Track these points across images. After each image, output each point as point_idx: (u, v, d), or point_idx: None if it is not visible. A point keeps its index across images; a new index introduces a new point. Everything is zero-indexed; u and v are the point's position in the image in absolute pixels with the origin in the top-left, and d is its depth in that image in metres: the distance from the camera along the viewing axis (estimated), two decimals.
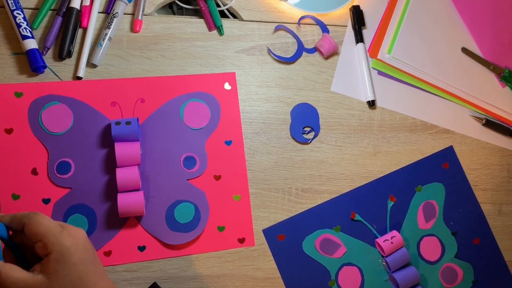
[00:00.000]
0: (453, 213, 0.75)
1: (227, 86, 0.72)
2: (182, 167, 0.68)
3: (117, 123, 0.65)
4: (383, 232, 0.72)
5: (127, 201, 0.64)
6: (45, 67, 0.67)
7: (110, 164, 0.67)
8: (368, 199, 0.73)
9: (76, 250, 0.49)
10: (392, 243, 0.69)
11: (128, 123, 0.65)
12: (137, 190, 0.65)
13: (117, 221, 0.66)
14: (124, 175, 0.64)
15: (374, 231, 0.72)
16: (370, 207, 0.73)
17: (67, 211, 0.65)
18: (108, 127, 0.67)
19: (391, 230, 0.72)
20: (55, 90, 0.67)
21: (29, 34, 0.66)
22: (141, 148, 0.67)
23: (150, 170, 0.68)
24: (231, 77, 0.72)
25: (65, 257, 0.48)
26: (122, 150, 0.64)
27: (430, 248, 0.73)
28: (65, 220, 0.65)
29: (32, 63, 0.66)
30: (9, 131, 0.65)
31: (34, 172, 0.65)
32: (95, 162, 0.67)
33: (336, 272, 0.70)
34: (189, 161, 0.69)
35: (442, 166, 0.76)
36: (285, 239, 0.69)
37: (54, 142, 0.66)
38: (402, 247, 0.70)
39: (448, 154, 0.77)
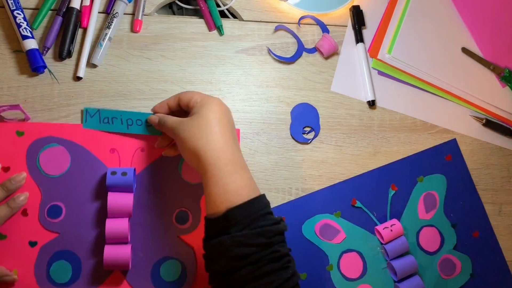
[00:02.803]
0: (453, 205, 0.75)
1: None
2: (174, 223, 0.67)
3: (113, 173, 0.63)
4: (383, 220, 0.72)
5: (113, 254, 0.62)
6: (45, 67, 0.67)
7: (102, 213, 0.65)
8: (369, 187, 0.73)
9: (218, 105, 0.61)
10: (391, 231, 0.70)
11: (124, 173, 0.64)
12: (126, 243, 0.64)
13: (102, 272, 0.64)
14: (113, 227, 0.62)
15: (374, 219, 0.72)
16: (371, 195, 0.73)
17: (52, 256, 0.64)
18: (104, 174, 0.66)
19: (391, 218, 0.72)
20: (56, 132, 0.66)
21: (29, 34, 0.66)
22: (134, 199, 0.66)
23: (141, 222, 0.66)
24: None
25: (208, 103, 0.60)
26: (114, 200, 0.63)
27: (429, 239, 0.73)
28: (49, 266, 0.63)
29: (32, 63, 0.66)
30: (6, 169, 0.64)
31: (24, 213, 0.64)
32: (86, 209, 0.65)
33: (336, 259, 0.70)
34: (182, 217, 0.67)
35: (445, 158, 0.76)
36: (285, 221, 0.69)
37: (49, 184, 0.65)
38: (402, 235, 0.71)
39: (451, 147, 0.77)
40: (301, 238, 0.70)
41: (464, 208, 0.75)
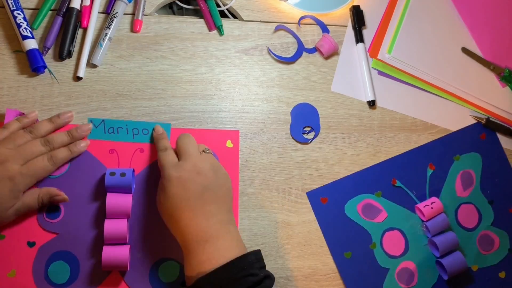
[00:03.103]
0: (489, 182, 0.77)
1: (229, 144, 0.70)
2: None
3: (112, 174, 0.63)
4: (422, 198, 0.74)
5: (111, 255, 0.62)
6: (45, 67, 0.67)
7: (100, 214, 0.65)
8: (408, 167, 0.75)
9: (175, 184, 0.59)
10: (432, 208, 0.71)
11: (122, 174, 0.63)
12: (124, 243, 0.64)
13: (100, 273, 0.64)
14: (112, 227, 0.62)
15: (414, 197, 0.74)
16: (410, 174, 0.75)
17: (50, 257, 0.63)
18: (103, 175, 0.65)
19: (430, 197, 0.74)
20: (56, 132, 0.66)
21: (29, 34, 0.66)
22: (133, 199, 0.66)
23: (140, 223, 0.66)
24: (234, 135, 0.71)
25: (163, 188, 0.60)
26: (113, 201, 0.63)
27: (468, 216, 0.75)
28: (47, 267, 0.63)
29: (32, 63, 0.66)
30: None
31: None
32: (85, 209, 0.65)
33: (379, 237, 0.72)
34: None
35: (480, 137, 0.78)
36: (328, 202, 0.71)
37: (48, 185, 0.64)
38: (442, 212, 0.72)
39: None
40: (344, 218, 0.72)
41: (500, 185, 0.77)
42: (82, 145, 0.65)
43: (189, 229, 0.58)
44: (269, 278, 0.56)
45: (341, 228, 0.71)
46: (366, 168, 0.74)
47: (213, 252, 0.56)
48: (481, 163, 0.77)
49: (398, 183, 0.74)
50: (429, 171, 0.75)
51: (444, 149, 0.76)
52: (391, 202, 0.73)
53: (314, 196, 0.71)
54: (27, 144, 0.61)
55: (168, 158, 0.63)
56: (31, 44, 0.66)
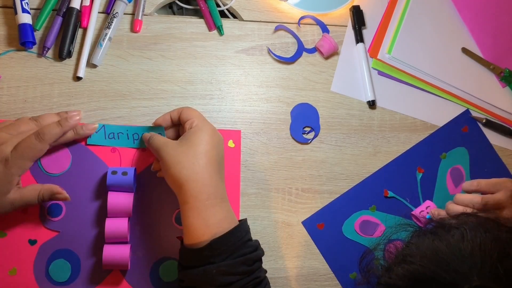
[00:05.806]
0: (479, 174, 0.76)
1: (231, 144, 0.70)
2: (174, 223, 0.67)
3: (114, 172, 0.63)
4: (416, 204, 0.74)
5: (112, 254, 0.62)
6: (34, 43, 0.67)
7: (102, 212, 0.65)
8: (397, 175, 0.74)
9: (210, 136, 0.61)
10: (428, 213, 0.71)
11: (124, 173, 0.63)
12: (125, 242, 0.64)
13: (101, 272, 0.64)
14: (113, 226, 0.63)
15: (408, 205, 0.74)
16: (400, 182, 0.74)
17: (52, 255, 0.64)
18: (105, 174, 0.65)
19: (424, 200, 0.74)
20: None
21: (27, 9, 0.67)
22: (134, 199, 0.66)
23: (141, 222, 0.66)
24: (236, 135, 0.71)
25: (200, 131, 0.60)
26: (114, 200, 0.63)
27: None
28: (48, 265, 0.64)
29: (22, 37, 0.66)
30: None
31: (25, 210, 0.64)
32: (87, 208, 0.65)
33: (381, 252, 0.71)
34: None
35: (462, 130, 0.77)
36: (325, 227, 0.71)
37: (48, 182, 0.64)
38: None
39: (465, 118, 0.78)
40: (343, 239, 0.71)
41: (490, 174, 0.76)
42: (76, 118, 0.63)
43: (207, 181, 0.58)
44: (260, 245, 0.61)
45: (342, 251, 0.71)
46: (355, 185, 0.73)
47: (229, 211, 0.60)
48: (468, 156, 0.77)
49: (390, 194, 0.73)
50: (419, 175, 0.75)
51: (430, 149, 0.76)
52: (386, 214, 0.73)
53: (310, 224, 0.71)
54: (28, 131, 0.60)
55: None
56: (26, 18, 0.66)
